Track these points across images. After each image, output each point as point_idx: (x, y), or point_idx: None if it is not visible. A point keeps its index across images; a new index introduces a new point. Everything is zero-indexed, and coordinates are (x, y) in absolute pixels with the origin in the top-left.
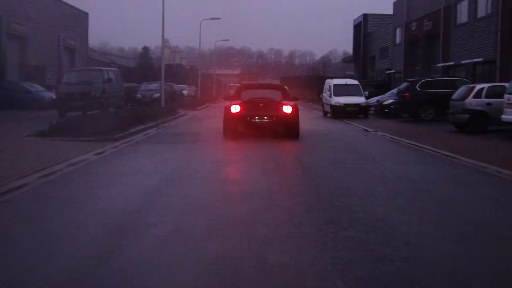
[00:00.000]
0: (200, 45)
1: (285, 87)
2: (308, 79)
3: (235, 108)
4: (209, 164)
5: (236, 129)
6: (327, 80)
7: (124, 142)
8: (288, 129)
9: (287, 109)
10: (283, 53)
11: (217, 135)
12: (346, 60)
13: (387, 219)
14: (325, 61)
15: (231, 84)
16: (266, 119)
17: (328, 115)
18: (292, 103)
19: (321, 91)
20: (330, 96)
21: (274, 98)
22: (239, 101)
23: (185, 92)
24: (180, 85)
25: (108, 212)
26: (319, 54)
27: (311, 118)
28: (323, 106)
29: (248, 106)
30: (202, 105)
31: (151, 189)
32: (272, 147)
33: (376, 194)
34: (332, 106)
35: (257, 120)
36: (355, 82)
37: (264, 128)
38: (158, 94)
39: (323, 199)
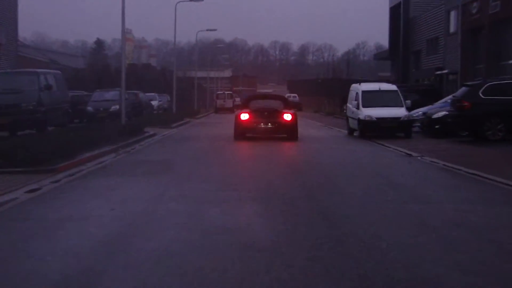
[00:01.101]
0: (175, 37)
1: (286, 96)
2: (327, 84)
3: (244, 116)
4: (186, 205)
5: (245, 133)
6: (353, 85)
7: (69, 175)
8: (288, 133)
9: (288, 116)
10: (292, 48)
11: (197, 163)
12: (379, 56)
13: (439, 280)
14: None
15: (218, 92)
16: (270, 125)
17: (355, 133)
18: (292, 111)
19: (345, 100)
20: (358, 108)
21: (277, 107)
22: (248, 110)
23: (155, 103)
24: (148, 94)
25: (39, 280)
26: (341, 48)
27: (331, 139)
28: (347, 121)
29: (255, 114)
30: (179, 121)
31: (105, 244)
32: (281, 182)
33: (425, 246)
34: (360, 122)
35: (262, 126)
36: (393, 87)
37: (268, 132)
38: (117, 107)
39: (351, 253)
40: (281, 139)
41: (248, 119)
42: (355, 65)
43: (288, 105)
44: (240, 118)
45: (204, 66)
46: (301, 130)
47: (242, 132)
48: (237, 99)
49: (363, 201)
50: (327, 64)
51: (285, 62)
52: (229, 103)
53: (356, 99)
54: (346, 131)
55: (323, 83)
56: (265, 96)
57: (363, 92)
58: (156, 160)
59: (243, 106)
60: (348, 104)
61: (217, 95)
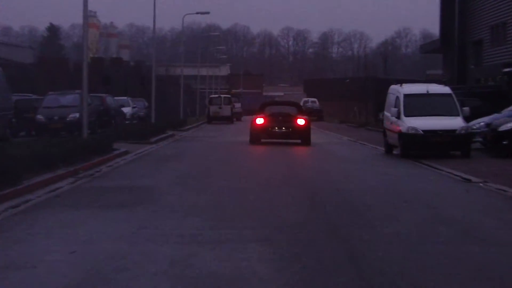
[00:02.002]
0: (155, 23)
1: (303, 102)
2: (357, 85)
3: (260, 121)
4: (168, 248)
5: (260, 137)
6: (393, 87)
7: (11, 206)
8: (302, 138)
9: (301, 121)
10: (310, 37)
11: (183, 190)
12: (427, 48)
13: None
14: (388, 51)
15: (212, 96)
16: (284, 129)
17: (395, 151)
18: (305, 117)
19: (381, 107)
20: (398, 117)
21: (290, 112)
22: (263, 115)
23: (127, 110)
24: (118, 98)
25: None
26: (376, 38)
27: (363, 158)
28: (384, 135)
29: (270, 119)
30: (160, 135)
31: None
32: (296, 215)
33: None
34: (401, 136)
35: (276, 130)
36: (445, 90)
37: (282, 136)
38: (77, 115)
39: None
40: (295, 153)
41: (263, 123)
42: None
43: (302, 111)
44: (255, 123)
45: (193, 61)
46: (323, 146)
47: (258, 136)
48: (237, 105)
49: (405, 242)
50: (357, 59)
51: (301, 57)
52: (226, 110)
53: (396, 105)
54: (383, 149)
55: (352, 84)
56: (280, 103)
57: (406, 96)
58: (129, 186)
59: (259, 112)
60: (385, 113)
61: (210, 100)
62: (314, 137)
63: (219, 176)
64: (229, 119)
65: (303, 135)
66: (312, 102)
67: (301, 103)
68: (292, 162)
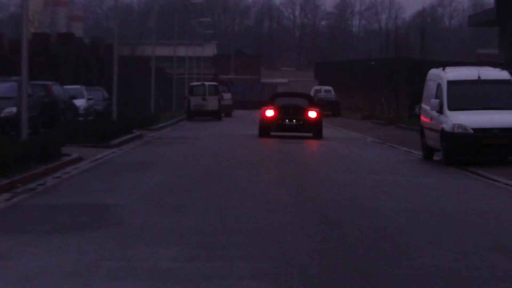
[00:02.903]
0: None
1: (314, 91)
2: (385, 69)
3: (270, 112)
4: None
5: (270, 130)
6: (433, 72)
7: None
8: (313, 131)
9: (313, 114)
10: (323, 5)
11: (157, 209)
12: (478, 20)
13: None
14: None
15: (194, 83)
16: (294, 122)
17: (436, 156)
18: (317, 109)
19: (417, 97)
20: (441, 111)
21: (301, 104)
22: (273, 107)
23: (81, 103)
24: (69, 87)
25: None
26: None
27: (394, 165)
28: (422, 134)
29: (280, 111)
30: (124, 136)
31: None
32: (304, 242)
33: None
34: (445, 135)
35: (287, 122)
36: (502, 75)
37: (293, 129)
38: (14, 110)
39: None
40: (305, 160)
41: (273, 115)
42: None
43: (313, 103)
44: (265, 115)
45: (168, 37)
46: (342, 149)
47: (267, 129)
48: (227, 96)
49: (449, 280)
50: (385, 35)
51: (311, 32)
52: (212, 103)
53: (438, 96)
54: (419, 153)
55: (379, 67)
56: (291, 94)
57: (450, 83)
58: (84, 204)
59: (268, 104)
60: (423, 105)
61: (191, 89)
62: (329, 138)
63: (204, 190)
64: (216, 115)
65: (315, 128)
66: (326, 91)
67: (312, 93)
68: (302, 173)
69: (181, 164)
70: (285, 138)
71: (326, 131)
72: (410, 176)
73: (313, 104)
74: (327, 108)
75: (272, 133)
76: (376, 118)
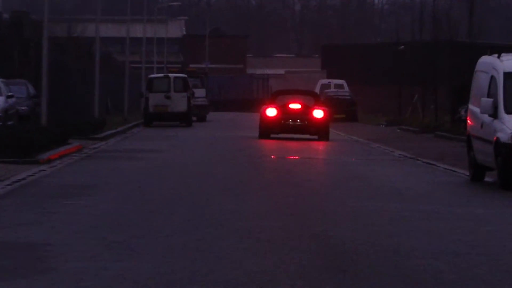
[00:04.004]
0: None
1: (322, 85)
2: (419, 57)
3: (271, 112)
4: None
5: (271, 131)
6: (484, 61)
7: None
8: (318, 132)
9: (319, 113)
10: None
11: (98, 249)
12: None
13: None
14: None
15: (153, 76)
16: (299, 122)
17: (489, 177)
18: (323, 108)
19: (462, 96)
20: (494, 114)
21: (306, 103)
22: (274, 106)
23: None
24: None
25: None
26: None
27: (430, 189)
28: (469, 146)
29: (283, 110)
30: (57, 147)
31: None
32: None
33: None
34: (501, 148)
35: (290, 123)
36: None
37: (297, 130)
38: None
39: None
40: (312, 181)
41: (276, 115)
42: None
43: (319, 102)
44: (266, 114)
45: (119, 12)
46: (360, 166)
47: (268, 129)
48: (199, 93)
49: None
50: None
51: (317, 4)
52: (179, 103)
53: (491, 93)
54: (465, 172)
55: (410, 53)
56: (295, 91)
57: (508, 76)
58: (4, 242)
59: (270, 102)
60: (470, 106)
61: (150, 83)
62: (342, 151)
63: (166, 224)
64: (184, 118)
65: (321, 130)
66: (338, 87)
67: (318, 89)
68: (305, 199)
69: (135, 188)
70: (284, 148)
71: (338, 142)
72: (452, 205)
73: (319, 103)
74: (340, 109)
75: (272, 136)
76: (406, 123)
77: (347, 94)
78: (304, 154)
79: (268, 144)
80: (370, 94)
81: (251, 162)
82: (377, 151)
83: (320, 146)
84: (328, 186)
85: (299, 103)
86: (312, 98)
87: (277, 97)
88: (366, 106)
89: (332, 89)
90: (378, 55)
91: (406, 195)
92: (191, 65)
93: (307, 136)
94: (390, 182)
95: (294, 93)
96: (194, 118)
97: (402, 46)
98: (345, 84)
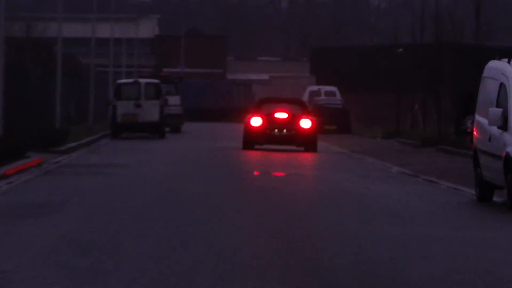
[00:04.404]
0: None
1: (310, 92)
2: (420, 60)
3: (256, 121)
4: None
5: (256, 142)
6: (492, 65)
7: None
8: (306, 143)
9: (306, 123)
10: None
11: (60, 276)
12: None
13: None
14: None
15: (121, 81)
16: (285, 132)
17: (498, 197)
18: (311, 117)
19: (468, 105)
20: (504, 126)
21: (293, 112)
22: (260, 114)
23: None
24: None
25: None
26: None
27: (433, 211)
28: (476, 161)
29: (269, 119)
30: (13, 161)
31: None
32: None
33: None
34: (510, 164)
35: (276, 133)
36: None
37: (283, 141)
38: None
39: None
40: (299, 199)
41: (261, 125)
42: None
43: (307, 110)
44: (250, 124)
45: (84, 10)
46: (353, 184)
47: (253, 140)
48: (174, 101)
49: None
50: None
51: (307, 1)
52: (150, 111)
53: (500, 102)
54: (471, 191)
55: (410, 57)
56: (281, 100)
57: None
58: None
59: (254, 110)
60: (477, 117)
61: (118, 89)
62: (334, 167)
63: (135, 247)
64: (156, 129)
65: (308, 140)
66: (329, 94)
67: (306, 97)
68: (291, 220)
69: (101, 207)
70: (269, 162)
71: (329, 157)
72: (456, 228)
73: (306, 111)
74: (331, 120)
75: (257, 147)
76: (405, 136)
77: (339, 102)
78: (291, 169)
79: (251, 157)
80: (364, 102)
81: (232, 178)
82: (373, 167)
83: (309, 160)
84: (317, 206)
85: (286, 112)
86: (299, 106)
87: (262, 105)
88: (360, 116)
89: (323, 97)
90: (374, 58)
91: (404, 217)
92: (164, 69)
93: (293, 147)
94: (387, 202)
95: (280, 102)
96: (168, 129)
97: (401, 49)
98: (337, 91)
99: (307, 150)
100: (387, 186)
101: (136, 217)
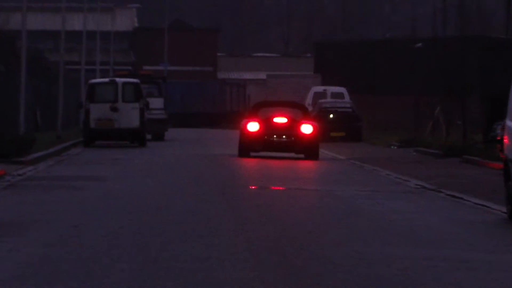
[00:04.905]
0: None
1: (314, 93)
2: (441, 57)
3: (253, 126)
4: None
5: (252, 149)
6: None
7: None
8: (306, 150)
9: (307, 129)
10: None
11: None
12: None
13: None
14: None
15: (94, 81)
16: (284, 138)
17: None
18: (313, 122)
19: (498, 109)
20: None
21: (293, 117)
22: (257, 119)
23: None
24: None
25: None
26: None
27: (458, 234)
28: (507, 174)
29: (267, 124)
30: None
31: None
32: None
33: None
34: None
35: (275, 139)
36: None
37: (282, 148)
38: None
39: None
40: (300, 218)
41: (258, 130)
42: None
43: (308, 115)
44: (246, 129)
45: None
46: (365, 201)
47: (249, 147)
48: (156, 104)
49: None
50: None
51: None
52: (128, 116)
53: None
54: (502, 209)
55: (429, 53)
56: (280, 103)
57: None
58: None
59: (250, 115)
60: (508, 122)
61: (91, 90)
62: (342, 181)
63: (108, 274)
64: (136, 137)
65: (309, 147)
66: (336, 96)
67: (310, 99)
68: (290, 242)
69: (70, 227)
70: (267, 173)
71: (336, 168)
72: (484, 251)
73: (307, 116)
74: (339, 126)
75: (253, 154)
76: (425, 144)
77: (348, 105)
78: (293, 182)
79: (246, 167)
80: (377, 105)
81: (223, 195)
82: (387, 180)
83: (312, 172)
84: (322, 225)
85: (285, 117)
86: (300, 111)
87: (259, 109)
88: (372, 122)
89: (329, 99)
90: (389, 55)
91: (423, 238)
92: (145, 67)
93: (293, 154)
94: (403, 221)
95: (279, 105)
96: (149, 137)
97: (420, 44)
98: (346, 93)
99: (307, 158)
100: (403, 203)
101: (110, 241)
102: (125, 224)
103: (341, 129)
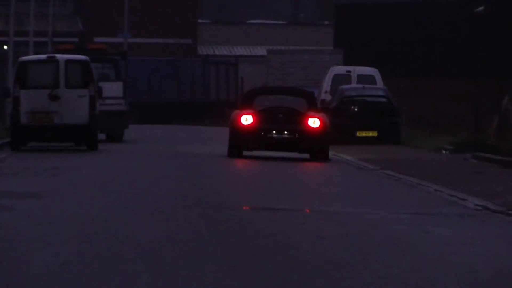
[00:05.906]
0: None
1: (313, 92)
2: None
3: (246, 119)
4: None
5: (245, 146)
6: None
7: None
8: (313, 149)
9: (314, 122)
10: None
11: None
12: None
13: None
14: None
15: (26, 58)
16: (286, 134)
17: None
18: (321, 115)
19: None
20: None
21: (297, 107)
22: (251, 110)
23: None
24: None
25: None
26: None
27: None
28: None
29: (264, 116)
30: None
31: None
32: None
33: None
34: None
35: (274, 135)
36: None
37: (283, 146)
38: None
39: None
40: (314, 251)
41: (252, 123)
42: None
43: (315, 105)
44: (239, 122)
45: None
46: (404, 229)
47: (242, 144)
48: (113, 91)
49: None
50: None
51: None
52: (75, 107)
53: None
54: None
55: (492, 20)
56: (280, 91)
57: None
58: None
59: (243, 105)
60: None
61: (21, 71)
62: (373, 199)
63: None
64: (84, 136)
65: (317, 145)
66: (365, 80)
67: (329, 83)
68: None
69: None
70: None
71: (364, 182)
72: None
73: (313, 107)
74: (369, 122)
75: (246, 153)
76: (488, 148)
77: (382, 93)
78: (301, 199)
79: (238, 174)
80: (422, 94)
81: (206, 219)
82: (436, 199)
83: (328, 185)
84: (346, 261)
85: (287, 108)
86: (305, 100)
87: (255, 98)
88: (414, 117)
89: (355, 85)
90: (438, 23)
91: (486, 279)
92: (96, 40)
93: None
94: (458, 256)
95: (279, 93)
96: (102, 136)
97: (482, 7)
98: (378, 76)
99: (314, 158)
100: (457, 229)
101: (43, 283)
102: (66, 260)
103: (371, 126)
